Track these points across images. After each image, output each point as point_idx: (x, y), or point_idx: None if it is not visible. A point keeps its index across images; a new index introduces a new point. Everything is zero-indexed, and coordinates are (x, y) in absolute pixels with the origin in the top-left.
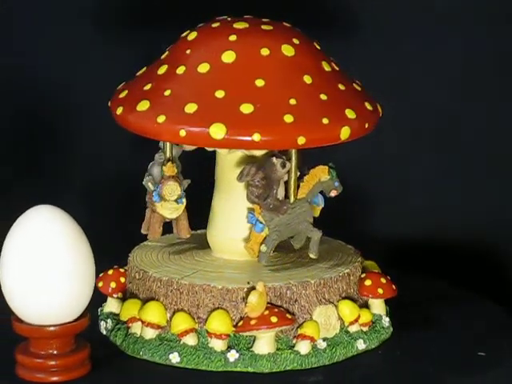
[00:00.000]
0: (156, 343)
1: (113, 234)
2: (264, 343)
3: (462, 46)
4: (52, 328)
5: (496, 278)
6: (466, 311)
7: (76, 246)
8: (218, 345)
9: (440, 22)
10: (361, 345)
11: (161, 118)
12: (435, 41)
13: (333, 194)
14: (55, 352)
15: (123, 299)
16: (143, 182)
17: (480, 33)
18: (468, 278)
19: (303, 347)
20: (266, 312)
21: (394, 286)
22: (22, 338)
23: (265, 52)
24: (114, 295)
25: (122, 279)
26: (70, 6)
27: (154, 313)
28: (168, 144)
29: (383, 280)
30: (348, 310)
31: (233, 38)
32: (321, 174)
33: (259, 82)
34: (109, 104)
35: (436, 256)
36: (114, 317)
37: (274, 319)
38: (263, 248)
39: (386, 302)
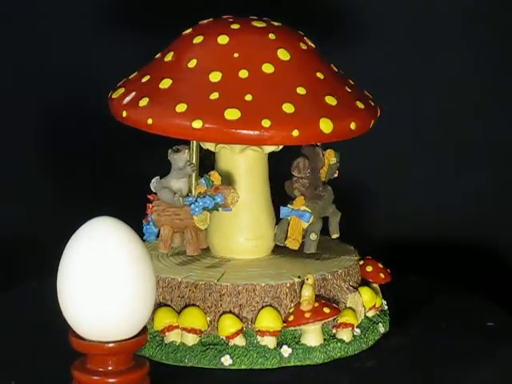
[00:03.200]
0: (201, 348)
1: None
2: (314, 335)
3: (462, 46)
4: (111, 344)
5: (496, 277)
6: (466, 311)
7: (138, 259)
8: (271, 342)
9: (440, 22)
10: (381, 328)
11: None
12: (435, 41)
13: (336, 174)
14: (113, 369)
15: None
16: (174, 199)
17: (480, 33)
18: (468, 278)
19: (346, 335)
20: (316, 304)
21: (388, 271)
22: (79, 354)
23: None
24: None
25: None
26: (70, 5)
27: (195, 318)
28: (195, 151)
29: (380, 265)
30: (368, 296)
31: (272, 36)
32: (329, 157)
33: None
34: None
35: (436, 256)
36: None
37: (326, 310)
38: (313, 236)
39: (385, 301)
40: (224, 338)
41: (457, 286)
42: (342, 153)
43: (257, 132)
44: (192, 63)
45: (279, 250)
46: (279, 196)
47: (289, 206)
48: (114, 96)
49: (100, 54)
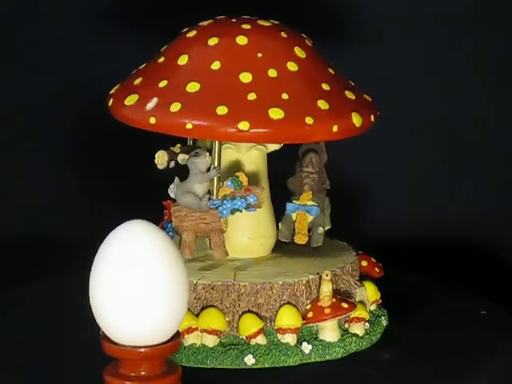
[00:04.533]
0: (222, 349)
1: None
2: (332, 331)
3: (462, 46)
4: (143, 349)
5: (496, 277)
6: (466, 311)
7: (171, 263)
8: (292, 339)
9: (440, 22)
10: (384, 321)
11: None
12: (435, 41)
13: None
14: (146, 374)
15: None
16: (201, 204)
17: (480, 33)
18: (468, 278)
19: (359, 329)
20: (334, 300)
21: (381, 265)
22: (111, 358)
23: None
24: None
25: None
26: (70, 6)
27: (215, 319)
28: (217, 154)
29: (373, 259)
30: (371, 290)
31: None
32: None
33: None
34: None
35: (436, 256)
36: None
37: (344, 305)
38: (321, 230)
39: (385, 300)
40: (244, 338)
41: (457, 286)
42: (342, 153)
43: (302, 129)
44: (216, 65)
45: (278, 248)
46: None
47: (294, 201)
48: (127, 103)
49: (100, 54)
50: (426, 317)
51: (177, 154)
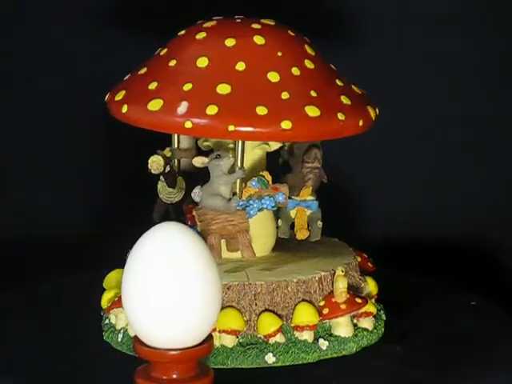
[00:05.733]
0: (241, 349)
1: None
2: (345, 326)
3: (462, 46)
4: (175, 352)
5: (496, 277)
6: (465, 311)
7: (206, 266)
8: (310, 336)
9: (440, 22)
10: (383, 315)
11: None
12: (435, 41)
13: None
14: (178, 377)
15: None
16: (230, 205)
17: (480, 33)
18: (468, 278)
19: (368, 323)
20: (348, 295)
21: (371, 259)
22: (142, 361)
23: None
24: None
25: None
26: (70, 6)
27: (234, 319)
28: (241, 153)
29: (365, 255)
30: (372, 285)
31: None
32: None
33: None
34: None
35: (436, 256)
36: None
37: (358, 300)
38: (320, 224)
39: (385, 300)
40: (262, 337)
41: (457, 286)
42: (342, 153)
43: (336, 126)
44: (240, 66)
45: (278, 246)
46: None
47: (294, 197)
48: (152, 108)
49: (100, 54)
50: (424, 317)
51: (169, 158)
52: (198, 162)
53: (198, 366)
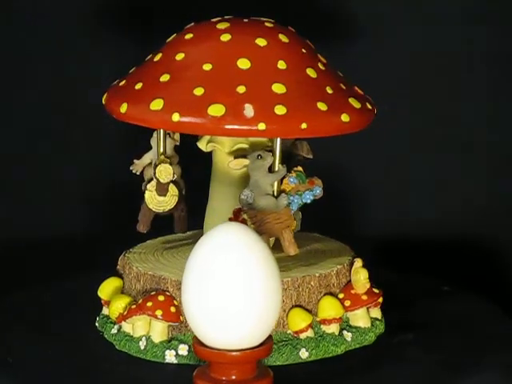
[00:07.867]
0: (274, 347)
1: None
2: (364, 317)
3: (462, 45)
4: (234, 353)
5: (495, 277)
6: (465, 311)
7: (266, 267)
8: (337, 329)
9: (440, 22)
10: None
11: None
12: (435, 41)
13: None
14: (236, 378)
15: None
16: (281, 203)
17: (480, 32)
18: (468, 278)
19: (378, 313)
20: (367, 286)
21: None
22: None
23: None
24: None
25: (175, 302)
26: (69, 5)
27: None
28: (279, 150)
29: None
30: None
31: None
32: None
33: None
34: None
35: (436, 256)
36: (183, 340)
37: (376, 290)
38: (300, 214)
39: (384, 300)
40: (291, 333)
41: (457, 286)
42: (342, 153)
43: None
44: (281, 64)
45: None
46: None
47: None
48: (212, 114)
49: (100, 54)
50: (423, 316)
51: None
52: (238, 164)
53: (257, 368)
